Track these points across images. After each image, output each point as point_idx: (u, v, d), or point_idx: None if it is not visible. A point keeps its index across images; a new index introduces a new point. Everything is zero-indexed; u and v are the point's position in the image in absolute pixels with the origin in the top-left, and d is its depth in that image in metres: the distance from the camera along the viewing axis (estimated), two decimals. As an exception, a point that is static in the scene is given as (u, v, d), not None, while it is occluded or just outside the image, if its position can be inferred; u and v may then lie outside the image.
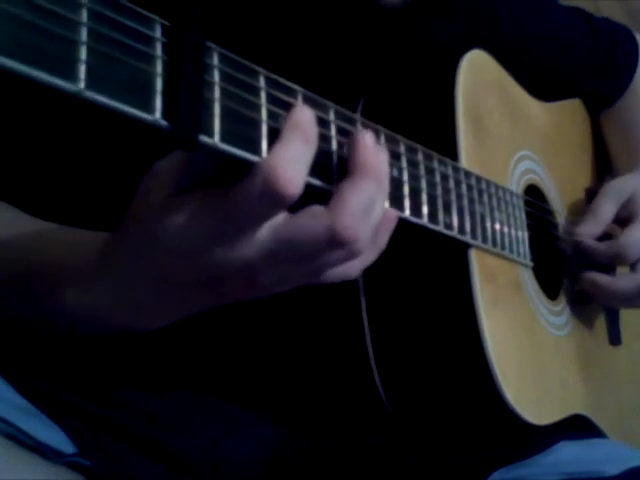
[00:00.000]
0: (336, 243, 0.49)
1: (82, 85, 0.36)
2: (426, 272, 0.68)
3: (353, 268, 0.54)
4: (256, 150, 0.46)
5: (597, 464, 0.78)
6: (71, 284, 0.56)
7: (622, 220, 0.90)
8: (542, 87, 0.91)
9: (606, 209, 0.89)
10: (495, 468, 0.77)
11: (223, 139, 0.44)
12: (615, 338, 0.93)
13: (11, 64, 0.34)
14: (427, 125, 0.71)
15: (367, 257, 0.54)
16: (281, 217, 0.49)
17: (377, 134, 0.56)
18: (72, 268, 0.56)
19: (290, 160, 0.46)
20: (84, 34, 0.37)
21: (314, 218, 0.48)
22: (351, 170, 0.50)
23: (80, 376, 0.73)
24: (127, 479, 0.69)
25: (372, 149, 0.51)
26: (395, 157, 0.58)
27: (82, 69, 0.36)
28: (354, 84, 0.76)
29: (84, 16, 0.37)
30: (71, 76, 0.36)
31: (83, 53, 0.36)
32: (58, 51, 0.35)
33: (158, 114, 0.40)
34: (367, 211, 0.50)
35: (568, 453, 0.80)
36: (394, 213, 0.55)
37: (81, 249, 0.57)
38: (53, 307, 0.58)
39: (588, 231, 0.88)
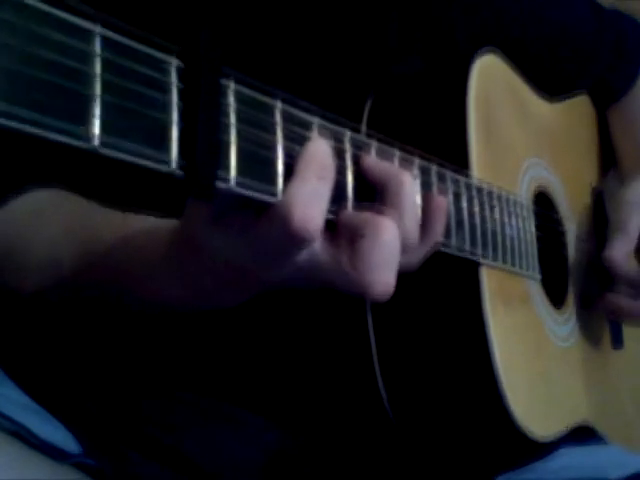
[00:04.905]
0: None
1: (96, 143, 0.34)
2: (435, 288, 0.67)
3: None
4: (272, 190, 0.44)
5: (600, 469, 0.78)
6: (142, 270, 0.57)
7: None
8: (549, 78, 0.89)
9: (634, 226, 0.86)
10: (497, 473, 0.77)
11: (239, 183, 0.42)
12: (618, 342, 0.93)
13: (23, 127, 0.32)
14: (438, 132, 0.70)
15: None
16: (317, 245, 0.48)
17: (391, 157, 0.55)
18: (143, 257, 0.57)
19: (306, 198, 0.45)
20: (98, 87, 0.34)
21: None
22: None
23: (87, 378, 0.74)
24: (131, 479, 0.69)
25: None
26: None
27: (96, 125, 0.34)
28: (363, 87, 0.74)
29: (97, 67, 0.34)
30: (85, 136, 0.34)
31: (97, 108, 0.34)
32: (71, 109, 0.33)
33: (174, 164, 0.38)
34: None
35: (571, 458, 0.80)
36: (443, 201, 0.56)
37: (150, 242, 0.57)
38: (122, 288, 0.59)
39: (621, 254, 0.85)
